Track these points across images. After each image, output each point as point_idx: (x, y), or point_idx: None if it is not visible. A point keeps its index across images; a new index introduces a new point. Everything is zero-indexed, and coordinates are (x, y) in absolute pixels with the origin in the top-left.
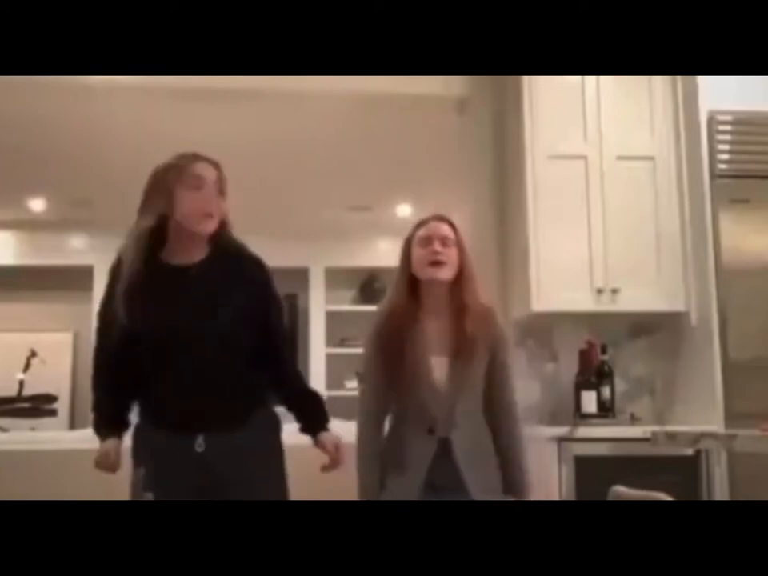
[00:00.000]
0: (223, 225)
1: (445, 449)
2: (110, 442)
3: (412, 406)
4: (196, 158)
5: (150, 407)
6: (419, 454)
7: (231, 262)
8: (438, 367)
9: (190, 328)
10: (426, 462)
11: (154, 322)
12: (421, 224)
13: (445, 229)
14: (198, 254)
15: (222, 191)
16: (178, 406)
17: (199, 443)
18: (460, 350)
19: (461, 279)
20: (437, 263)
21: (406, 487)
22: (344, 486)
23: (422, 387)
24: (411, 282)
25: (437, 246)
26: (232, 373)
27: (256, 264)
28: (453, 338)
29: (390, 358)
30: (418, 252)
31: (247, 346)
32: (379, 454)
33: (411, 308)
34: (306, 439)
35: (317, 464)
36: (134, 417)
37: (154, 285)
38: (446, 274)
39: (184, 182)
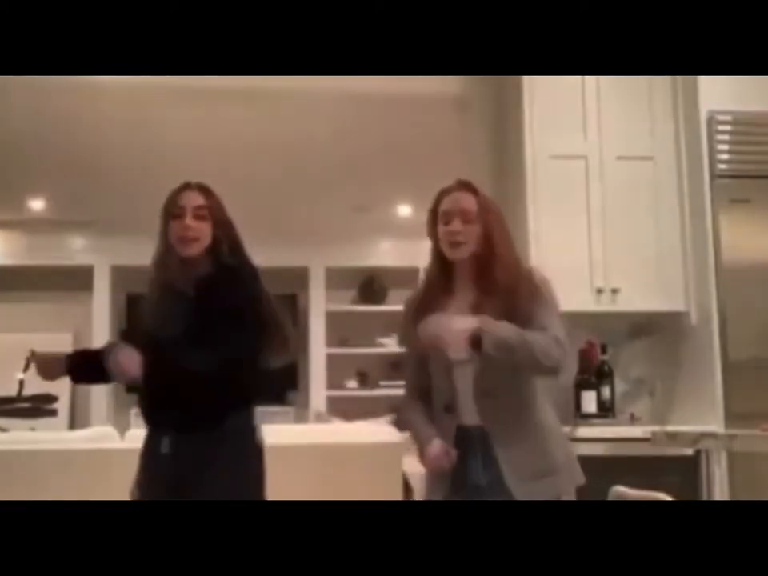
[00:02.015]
0: (215, 245)
1: (465, 431)
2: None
3: (434, 383)
4: (185, 187)
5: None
6: (441, 435)
7: (219, 283)
8: None
9: (167, 334)
10: (449, 443)
11: (146, 325)
12: (444, 193)
13: (467, 201)
14: (192, 273)
15: (202, 216)
16: (148, 408)
17: (165, 444)
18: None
19: (484, 255)
20: (456, 244)
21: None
22: (344, 485)
23: (439, 361)
24: (442, 255)
25: (456, 225)
26: (202, 377)
27: (241, 287)
28: (479, 313)
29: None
30: (441, 229)
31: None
32: (429, 421)
33: (444, 280)
34: (305, 438)
35: (316, 464)
36: None
37: (161, 297)
38: (465, 253)
39: (170, 212)
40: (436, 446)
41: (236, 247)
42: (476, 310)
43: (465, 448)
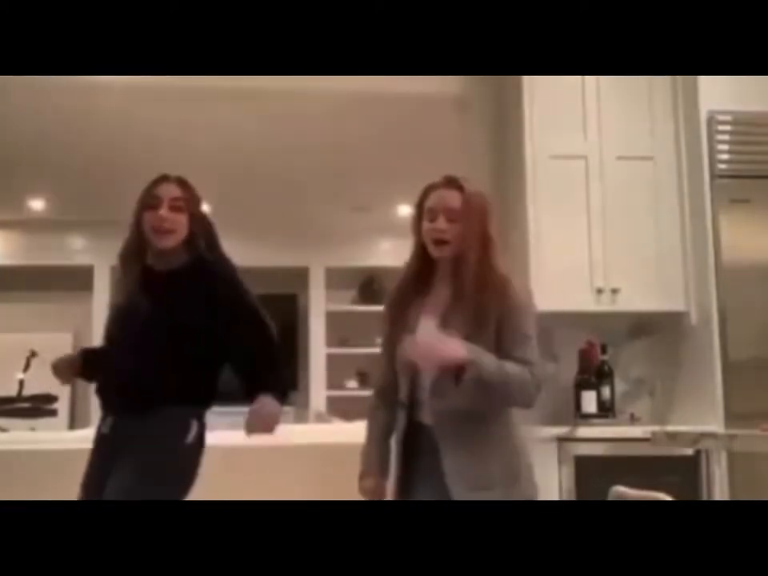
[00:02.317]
0: (191, 238)
1: (419, 428)
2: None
3: (399, 377)
4: (162, 179)
5: None
6: (397, 430)
7: (194, 275)
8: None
9: (138, 321)
10: (400, 438)
11: (115, 309)
12: (430, 189)
13: (453, 199)
14: (168, 263)
15: (178, 208)
16: (102, 387)
17: (106, 424)
18: (452, 323)
19: (461, 255)
20: (440, 242)
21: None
22: (344, 485)
23: (408, 362)
24: (424, 251)
25: (441, 224)
26: (150, 366)
27: (219, 278)
28: (450, 313)
29: (392, 326)
30: (425, 225)
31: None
32: (384, 438)
33: (423, 276)
34: (305, 438)
35: (316, 464)
36: None
37: (135, 282)
38: (449, 252)
39: (145, 202)
40: (369, 482)
41: (213, 242)
42: (448, 311)
43: (414, 444)
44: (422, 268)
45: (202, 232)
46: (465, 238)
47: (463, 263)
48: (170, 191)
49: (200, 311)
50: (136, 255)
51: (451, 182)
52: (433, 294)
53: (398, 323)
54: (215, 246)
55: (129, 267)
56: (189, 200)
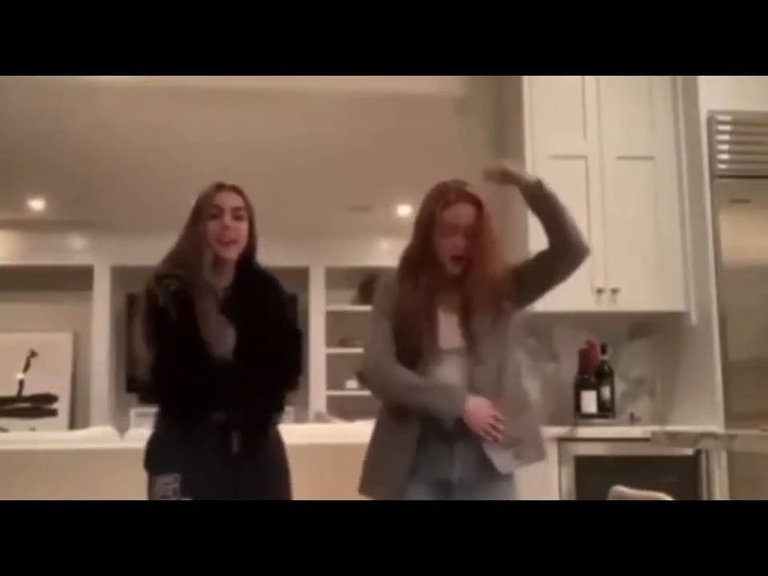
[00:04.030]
0: (249, 250)
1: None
2: None
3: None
4: (219, 187)
5: None
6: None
7: (253, 287)
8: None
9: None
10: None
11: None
12: (448, 201)
13: (472, 216)
14: (227, 277)
15: (240, 217)
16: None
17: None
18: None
19: (474, 268)
20: (457, 258)
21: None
22: (344, 485)
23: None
24: (436, 258)
25: (459, 241)
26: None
27: (275, 289)
28: (469, 316)
29: (401, 301)
30: (441, 240)
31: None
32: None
33: (426, 267)
34: (305, 438)
35: (316, 464)
36: None
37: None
38: (465, 266)
39: (206, 212)
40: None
41: (255, 253)
42: (467, 314)
43: (439, 436)
44: (432, 273)
45: (255, 245)
46: (482, 255)
47: (479, 276)
48: (230, 200)
49: (257, 318)
50: (194, 265)
51: (469, 199)
52: (441, 288)
53: (409, 299)
54: (255, 257)
55: (194, 282)
56: (249, 208)
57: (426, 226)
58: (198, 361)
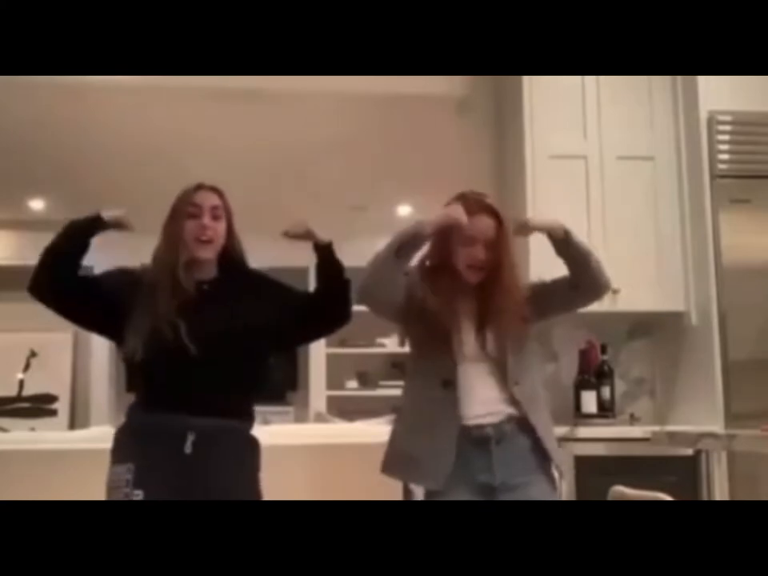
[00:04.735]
0: (227, 248)
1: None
2: None
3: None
4: (198, 186)
5: None
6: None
7: (236, 281)
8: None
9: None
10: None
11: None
12: (467, 211)
13: (491, 228)
14: (206, 275)
15: (218, 216)
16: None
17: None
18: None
19: (493, 278)
20: (476, 268)
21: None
22: (344, 485)
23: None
24: (454, 269)
25: (479, 252)
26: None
27: (257, 276)
28: (487, 328)
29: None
30: (458, 250)
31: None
32: None
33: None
34: (305, 438)
35: (316, 464)
36: None
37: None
38: (482, 276)
39: (184, 210)
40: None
41: (242, 252)
42: (485, 326)
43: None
44: (441, 269)
45: (236, 243)
46: (501, 265)
47: (499, 286)
48: (209, 199)
49: (247, 307)
50: (170, 266)
51: (490, 210)
52: (459, 295)
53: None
54: (243, 257)
55: (161, 278)
56: (227, 209)
57: (445, 235)
58: (158, 357)
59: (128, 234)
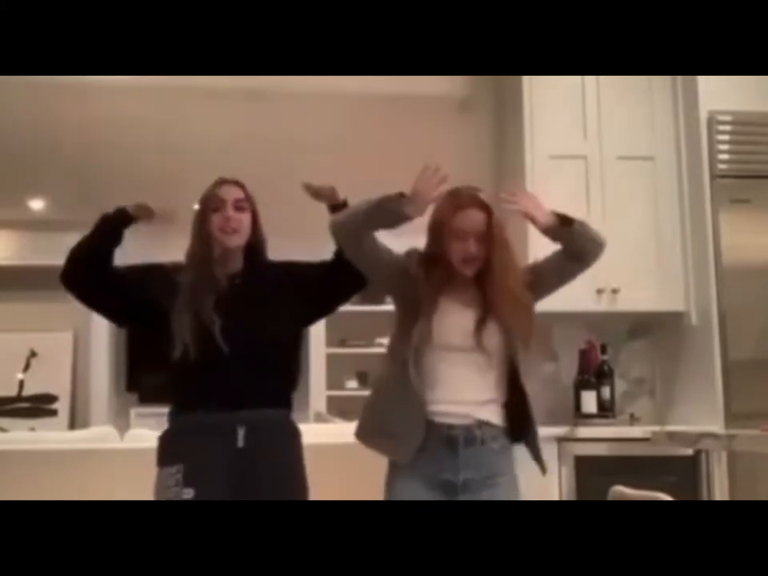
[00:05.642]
0: (251, 240)
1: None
2: None
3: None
4: (221, 182)
5: None
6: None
7: (262, 272)
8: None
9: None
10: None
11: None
12: (458, 205)
13: (482, 222)
14: (235, 265)
15: (242, 208)
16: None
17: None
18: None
19: (488, 270)
20: (469, 261)
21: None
22: (344, 485)
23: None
24: (448, 263)
25: (472, 247)
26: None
27: (279, 263)
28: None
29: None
30: (452, 244)
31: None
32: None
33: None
34: (305, 438)
35: (316, 464)
36: None
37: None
38: (476, 268)
39: (209, 206)
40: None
41: (264, 243)
42: (482, 319)
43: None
44: (435, 262)
45: (260, 234)
46: (495, 257)
47: (493, 277)
48: (232, 193)
49: (277, 299)
50: (205, 262)
51: (479, 205)
52: (451, 286)
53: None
54: (266, 251)
55: (199, 276)
56: (251, 201)
57: (438, 229)
58: (202, 355)
59: (128, 234)
